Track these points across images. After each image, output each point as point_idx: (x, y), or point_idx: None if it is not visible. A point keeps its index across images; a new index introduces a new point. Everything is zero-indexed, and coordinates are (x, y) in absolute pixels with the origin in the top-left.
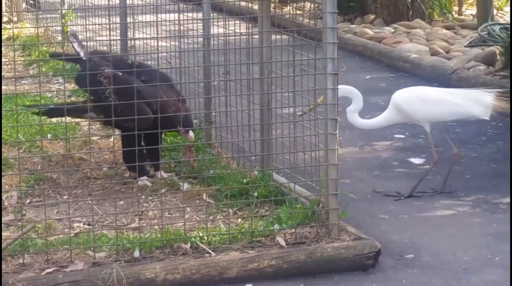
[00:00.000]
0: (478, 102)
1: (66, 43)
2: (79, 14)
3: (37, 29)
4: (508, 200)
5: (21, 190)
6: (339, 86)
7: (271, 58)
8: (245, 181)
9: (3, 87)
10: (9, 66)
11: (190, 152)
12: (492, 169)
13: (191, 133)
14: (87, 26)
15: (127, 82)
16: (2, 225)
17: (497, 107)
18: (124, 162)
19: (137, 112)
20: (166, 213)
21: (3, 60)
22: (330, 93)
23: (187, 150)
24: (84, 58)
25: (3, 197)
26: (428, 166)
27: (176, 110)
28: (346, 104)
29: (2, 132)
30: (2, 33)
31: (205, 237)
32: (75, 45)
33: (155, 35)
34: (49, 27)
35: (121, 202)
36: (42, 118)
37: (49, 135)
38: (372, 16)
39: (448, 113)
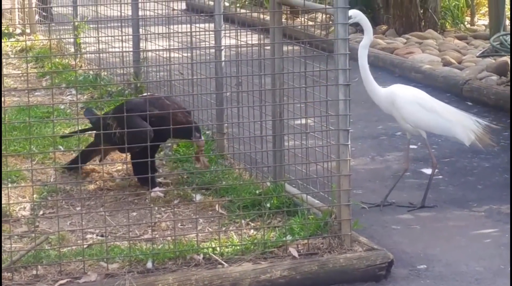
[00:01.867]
0: (465, 127)
1: (78, 55)
2: (91, 26)
3: (50, 41)
4: None
5: (34, 201)
6: (350, 11)
7: (282, 69)
8: (257, 192)
9: (16, 99)
10: (22, 78)
11: (201, 152)
12: (505, 179)
13: (202, 137)
14: (100, 38)
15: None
16: (16, 236)
17: (479, 140)
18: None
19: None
20: (179, 224)
21: (16, 72)
22: (342, 104)
23: (196, 155)
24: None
25: (17, 209)
26: (441, 177)
27: (187, 122)
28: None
29: (16, 144)
30: (15, 44)
31: (218, 248)
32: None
33: (167, 47)
34: (62, 39)
35: (134, 214)
36: (55, 129)
37: (61, 147)
38: (384, 27)
39: (438, 126)
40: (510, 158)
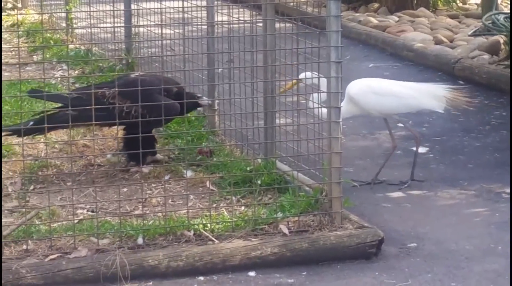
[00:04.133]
0: (432, 96)
1: (70, 30)
2: (83, 0)
3: (42, 16)
4: None
5: (24, 176)
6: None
7: (275, 46)
8: (248, 169)
9: (7, 74)
10: (13, 53)
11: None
12: (495, 158)
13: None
14: (91, 13)
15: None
16: (6, 211)
17: (452, 100)
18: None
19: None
20: (170, 200)
21: (7, 46)
22: (334, 81)
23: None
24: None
25: (7, 183)
26: (431, 155)
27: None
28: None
29: (7, 118)
30: (7, 19)
31: (208, 225)
32: None
33: (159, 23)
34: (54, 14)
35: (125, 189)
36: (46, 104)
37: None
38: (376, 5)
39: (402, 106)
40: (510, 145)
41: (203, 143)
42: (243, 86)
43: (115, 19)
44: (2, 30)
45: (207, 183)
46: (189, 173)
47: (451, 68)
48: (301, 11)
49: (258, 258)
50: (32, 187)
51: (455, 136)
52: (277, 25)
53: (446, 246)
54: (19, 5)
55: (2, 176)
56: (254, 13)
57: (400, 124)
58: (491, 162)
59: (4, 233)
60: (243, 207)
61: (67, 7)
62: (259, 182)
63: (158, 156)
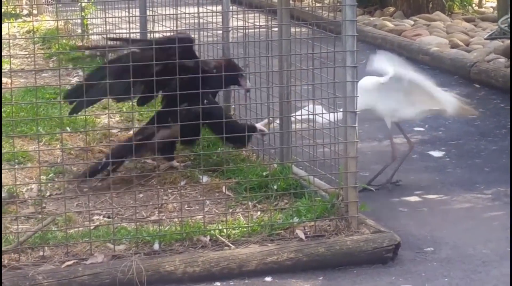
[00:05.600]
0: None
1: (86, 36)
2: (98, 7)
3: (57, 22)
4: None
5: (41, 182)
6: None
7: (290, 51)
8: (264, 174)
9: (22, 80)
10: (29, 59)
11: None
12: None
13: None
14: (107, 19)
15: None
16: (22, 217)
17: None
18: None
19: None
20: (186, 206)
21: (23, 53)
22: (350, 86)
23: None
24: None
25: (24, 190)
26: (448, 159)
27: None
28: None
29: (23, 125)
30: (22, 25)
31: (224, 230)
32: None
33: (175, 28)
34: (69, 20)
35: (141, 195)
36: (62, 111)
37: (68, 128)
38: (392, 9)
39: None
40: (510, 150)
41: (219, 149)
42: (258, 91)
43: (131, 25)
44: (18, 37)
45: (223, 188)
46: (205, 179)
47: (467, 72)
48: (317, 15)
49: (275, 263)
50: (48, 194)
51: (472, 139)
52: (292, 30)
53: (463, 250)
54: (35, 12)
55: (19, 183)
56: (269, 18)
57: (419, 128)
58: (507, 165)
59: (20, 239)
60: (259, 212)
61: (83, 14)
62: (275, 187)
63: (174, 163)
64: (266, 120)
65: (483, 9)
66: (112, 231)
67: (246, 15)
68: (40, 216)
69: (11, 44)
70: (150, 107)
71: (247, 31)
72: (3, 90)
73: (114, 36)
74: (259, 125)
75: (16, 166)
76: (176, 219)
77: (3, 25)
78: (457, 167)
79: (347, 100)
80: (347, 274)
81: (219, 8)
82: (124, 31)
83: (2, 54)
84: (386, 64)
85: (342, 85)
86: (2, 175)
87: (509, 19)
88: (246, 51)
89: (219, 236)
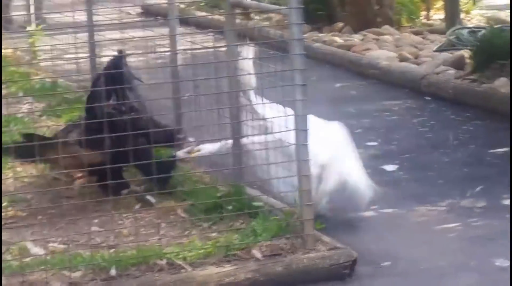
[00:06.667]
0: None
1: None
2: (47, 33)
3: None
4: (483, 204)
5: None
6: None
7: (236, 71)
8: (218, 195)
9: None
10: None
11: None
12: (464, 173)
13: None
14: (55, 45)
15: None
16: None
17: None
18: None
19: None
20: (142, 230)
21: None
22: (299, 104)
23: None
24: None
25: None
26: (401, 173)
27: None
28: None
29: None
30: None
31: (180, 253)
32: None
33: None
34: (18, 47)
35: (96, 221)
36: (13, 138)
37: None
38: (340, 24)
39: None
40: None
41: (172, 171)
42: (210, 113)
43: (80, 50)
44: None
45: (178, 210)
46: (152, 200)
47: (418, 85)
48: (264, 35)
49: (233, 284)
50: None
51: (424, 152)
52: (240, 49)
53: (420, 263)
54: None
55: None
56: (216, 37)
57: (372, 143)
58: (460, 177)
59: None
60: (215, 234)
61: (30, 40)
62: (229, 207)
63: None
64: (189, 148)
65: (431, 21)
66: (68, 258)
67: (195, 37)
68: None
69: None
70: None
71: (195, 52)
72: None
73: None
74: (180, 153)
75: None
76: (131, 244)
77: None
78: (411, 181)
79: (298, 119)
80: None
81: (167, 30)
82: (72, 56)
83: None
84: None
85: (292, 103)
86: None
87: (457, 31)
88: (195, 72)
89: (175, 259)
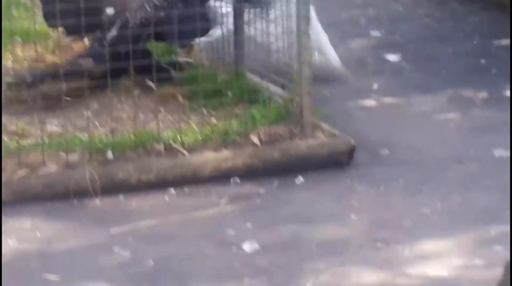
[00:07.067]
0: None
1: None
2: None
3: None
4: (484, 95)
5: None
6: None
7: None
8: (219, 81)
9: None
10: None
11: None
12: (468, 64)
13: None
14: None
15: None
16: None
17: None
18: None
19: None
20: (140, 114)
21: None
22: None
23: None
24: None
25: None
26: (405, 63)
27: None
28: None
29: None
30: None
31: (179, 137)
32: None
33: None
34: None
35: (95, 105)
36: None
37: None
38: None
39: None
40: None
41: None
42: None
43: None
44: None
45: (178, 96)
46: (152, 85)
47: None
48: None
49: (229, 169)
50: None
51: (429, 43)
52: None
53: (419, 152)
54: None
55: None
56: None
57: (375, 32)
58: (464, 68)
59: None
60: (214, 119)
61: None
62: (230, 94)
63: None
64: None
65: None
66: (65, 140)
67: None
68: None
69: None
70: None
71: None
72: None
73: None
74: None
75: None
76: (130, 128)
77: None
78: (413, 71)
79: (299, 3)
80: (302, 179)
81: None
82: None
83: None
84: None
85: None
86: None
87: None
88: None
89: (173, 144)
